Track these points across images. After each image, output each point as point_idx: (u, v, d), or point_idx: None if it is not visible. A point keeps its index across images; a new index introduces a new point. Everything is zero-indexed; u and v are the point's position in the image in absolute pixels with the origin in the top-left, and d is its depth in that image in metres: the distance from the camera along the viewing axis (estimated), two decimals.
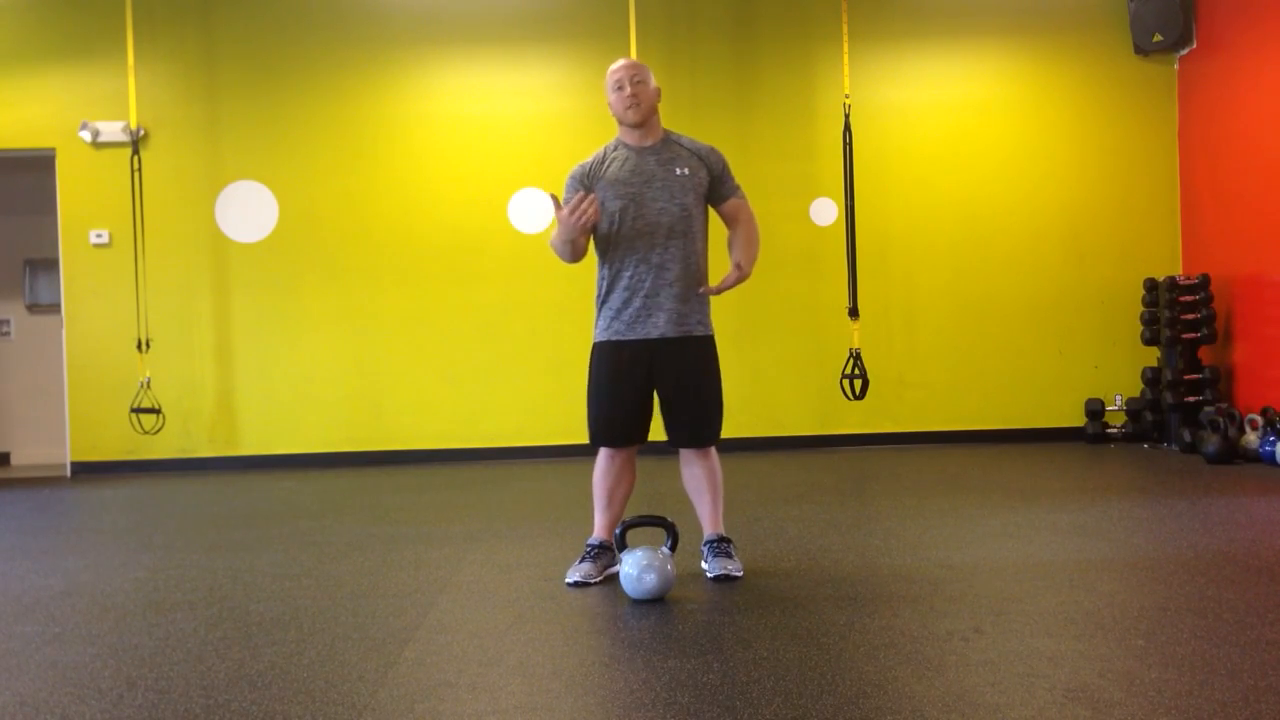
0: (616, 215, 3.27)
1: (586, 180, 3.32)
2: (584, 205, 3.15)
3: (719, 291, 3.31)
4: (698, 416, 3.33)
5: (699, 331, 3.34)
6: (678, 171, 3.30)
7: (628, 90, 3.28)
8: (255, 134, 7.02)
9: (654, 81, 3.36)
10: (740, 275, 3.31)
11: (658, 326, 3.28)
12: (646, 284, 3.27)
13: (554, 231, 3.26)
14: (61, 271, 6.96)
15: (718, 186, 3.39)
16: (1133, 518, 4.20)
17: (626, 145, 3.35)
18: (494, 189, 7.06)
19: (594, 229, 3.32)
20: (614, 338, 3.32)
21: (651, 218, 3.26)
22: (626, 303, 3.29)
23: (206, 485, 6.21)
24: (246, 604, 3.14)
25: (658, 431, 3.41)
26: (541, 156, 7.00)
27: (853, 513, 4.52)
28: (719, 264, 3.37)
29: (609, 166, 3.32)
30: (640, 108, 3.29)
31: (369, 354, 7.04)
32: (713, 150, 3.41)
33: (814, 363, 7.07)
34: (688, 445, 3.36)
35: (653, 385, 3.32)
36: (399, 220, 7.05)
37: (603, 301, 3.35)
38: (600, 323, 3.36)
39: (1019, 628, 2.63)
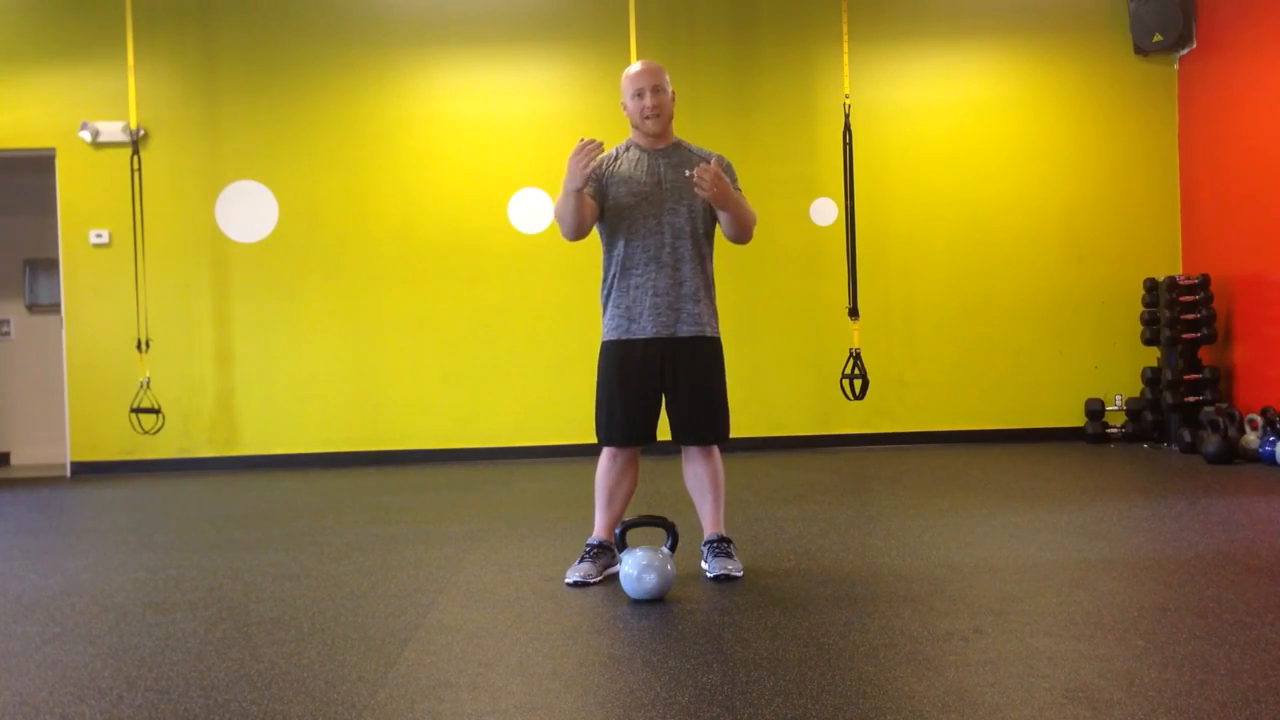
0: (627, 213, 3.28)
1: (599, 169, 3.33)
2: (590, 146, 3.07)
3: (709, 179, 3.11)
4: (706, 415, 3.34)
5: (709, 332, 3.35)
6: (688, 173, 3.32)
7: (648, 101, 3.30)
8: (255, 134, 7.02)
9: (670, 86, 3.37)
10: (725, 181, 3.15)
11: (668, 326, 3.28)
12: (658, 283, 3.28)
13: (560, 195, 3.20)
14: (61, 271, 6.96)
15: None
16: (1133, 518, 4.19)
17: (639, 147, 3.38)
18: (494, 189, 7.06)
19: (602, 223, 3.34)
20: (624, 336, 3.32)
21: (663, 217, 3.28)
22: (637, 301, 3.29)
23: (206, 485, 6.21)
24: (246, 604, 3.14)
25: (659, 431, 3.42)
26: (541, 156, 7.00)
27: (853, 513, 4.52)
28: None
29: (621, 165, 3.35)
30: (660, 118, 3.32)
31: (369, 354, 7.04)
32: (721, 157, 3.44)
33: (814, 363, 7.07)
34: (693, 443, 3.37)
35: (662, 384, 3.32)
36: (399, 220, 7.05)
37: (611, 301, 3.35)
38: (609, 322, 3.36)
39: (1019, 628, 2.63)
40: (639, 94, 3.32)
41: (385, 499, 5.41)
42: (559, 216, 3.28)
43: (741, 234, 3.36)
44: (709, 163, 3.38)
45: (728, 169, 3.42)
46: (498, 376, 7.07)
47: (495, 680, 2.35)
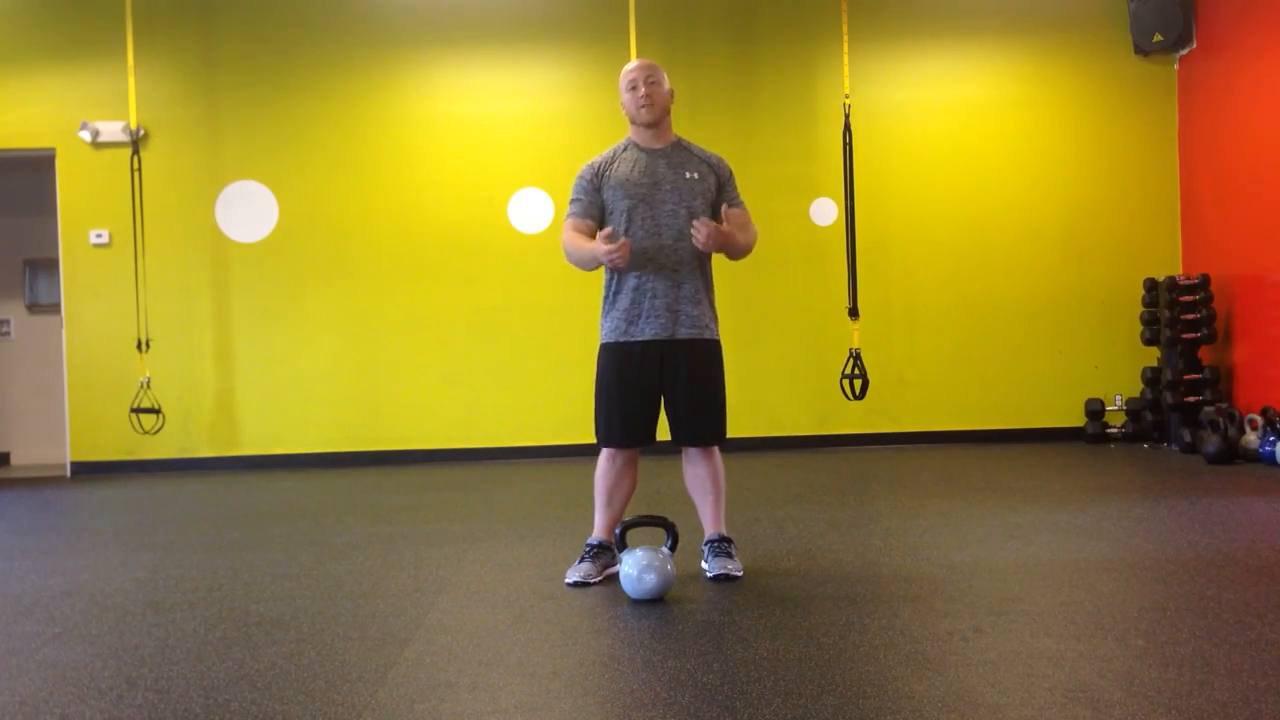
0: (625, 216, 3.28)
1: (596, 179, 3.33)
2: (620, 249, 3.13)
3: (704, 236, 3.17)
4: (705, 416, 3.34)
5: (708, 334, 3.35)
6: (687, 175, 3.32)
7: (641, 90, 3.30)
8: (255, 134, 7.02)
9: (668, 84, 3.37)
10: (725, 231, 3.21)
11: (667, 328, 3.28)
12: (657, 286, 3.27)
13: (577, 246, 3.27)
14: (61, 271, 6.96)
15: (720, 194, 3.40)
16: (1133, 518, 4.20)
17: (637, 146, 3.37)
18: (494, 189, 7.06)
19: (601, 226, 3.35)
20: (624, 339, 3.31)
21: (661, 220, 3.28)
22: (636, 304, 3.29)
23: (206, 485, 6.21)
24: (246, 604, 3.14)
25: (658, 432, 3.42)
26: (541, 156, 7.00)
27: (853, 513, 4.52)
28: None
29: (618, 166, 3.34)
30: (653, 108, 3.31)
31: (369, 354, 7.04)
32: (722, 161, 3.44)
33: (814, 363, 7.07)
34: (693, 444, 3.37)
35: (661, 386, 3.32)
36: (399, 220, 7.05)
37: (611, 303, 3.35)
38: (608, 324, 3.36)
39: (1019, 628, 2.63)
40: (633, 85, 3.32)
41: (385, 499, 5.41)
42: (572, 259, 3.33)
43: (741, 257, 3.41)
44: (711, 165, 3.39)
45: (728, 175, 3.42)
46: (497, 376, 7.07)
47: (495, 680, 2.35)
